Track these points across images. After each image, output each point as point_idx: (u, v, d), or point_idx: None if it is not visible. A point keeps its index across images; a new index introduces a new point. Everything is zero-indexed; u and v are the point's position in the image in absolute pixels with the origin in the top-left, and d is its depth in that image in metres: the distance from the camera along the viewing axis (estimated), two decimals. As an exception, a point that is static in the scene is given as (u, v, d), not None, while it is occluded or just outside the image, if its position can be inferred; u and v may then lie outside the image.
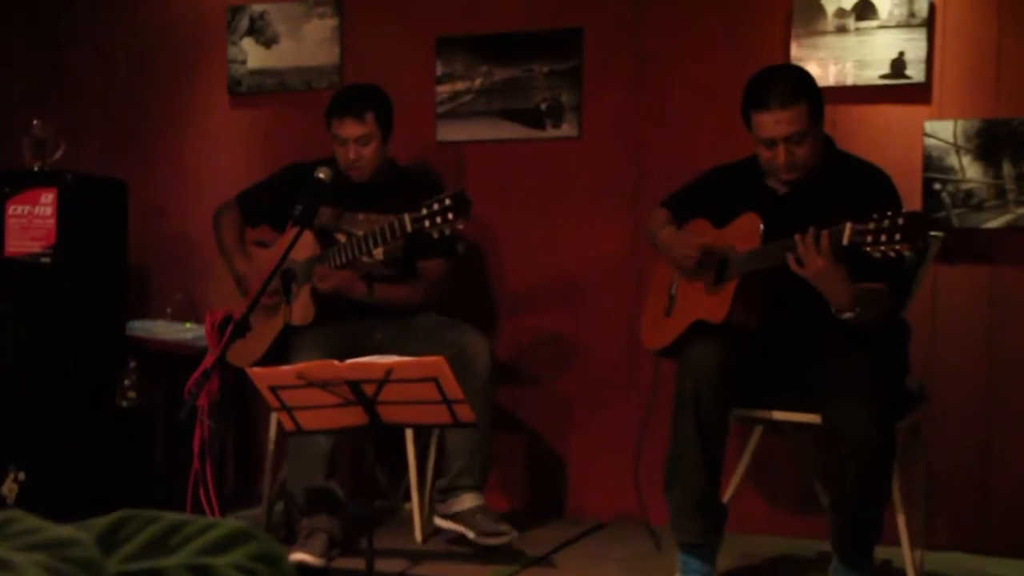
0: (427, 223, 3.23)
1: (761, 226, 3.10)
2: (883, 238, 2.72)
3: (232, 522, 0.67)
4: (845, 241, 2.80)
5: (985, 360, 3.68)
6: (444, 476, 3.60)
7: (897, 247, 2.72)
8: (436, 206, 3.22)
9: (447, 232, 3.25)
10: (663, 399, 3.24)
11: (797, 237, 2.89)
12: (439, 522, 3.57)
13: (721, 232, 3.27)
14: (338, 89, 3.91)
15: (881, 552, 3.28)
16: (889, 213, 2.73)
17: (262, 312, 3.66)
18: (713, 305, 3.18)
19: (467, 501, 3.52)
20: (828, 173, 3.14)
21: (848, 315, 2.93)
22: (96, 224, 3.98)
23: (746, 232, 3.15)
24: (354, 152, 3.70)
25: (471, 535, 3.47)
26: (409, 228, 3.29)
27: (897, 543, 3.10)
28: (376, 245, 3.44)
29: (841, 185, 3.10)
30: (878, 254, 2.74)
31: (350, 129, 3.68)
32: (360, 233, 3.51)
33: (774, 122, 3.05)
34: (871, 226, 2.74)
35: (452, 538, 3.58)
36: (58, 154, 4.05)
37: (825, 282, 2.90)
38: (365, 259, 3.57)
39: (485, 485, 3.61)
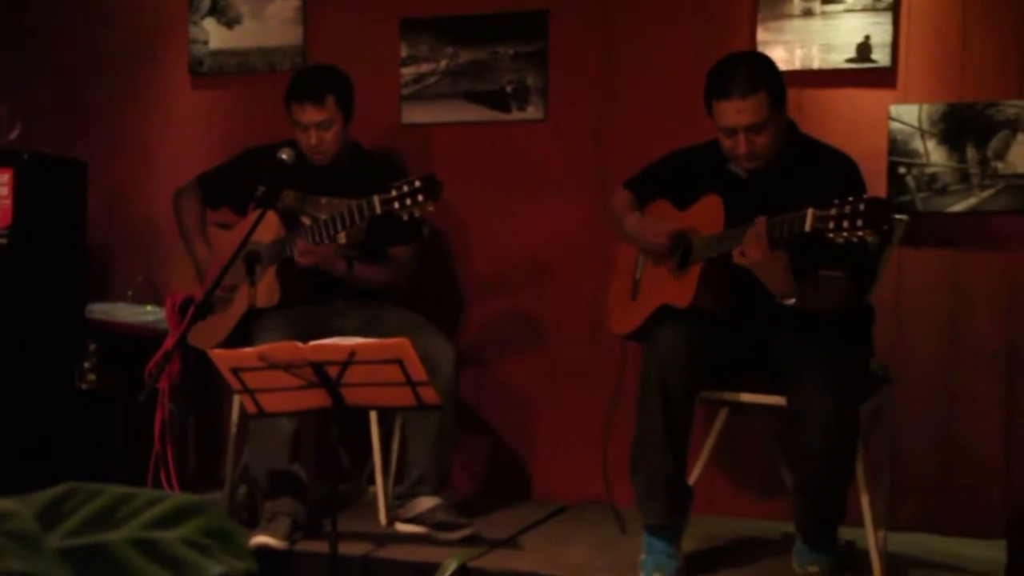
0: (396, 205, 3.21)
1: (722, 207, 3.10)
2: (845, 224, 2.72)
3: (181, 495, 0.65)
4: (807, 227, 2.80)
5: (948, 343, 3.70)
6: (402, 482, 3.58)
7: (859, 233, 2.72)
8: (406, 188, 3.19)
9: (416, 214, 3.22)
10: (630, 382, 3.23)
11: (758, 219, 2.90)
12: (400, 527, 3.55)
13: (683, 214, 3.26)
14: (295, 75, 3.85)
15: (845, 533, 3.30)
16: (851, 199, 2.73)
17: (225, 294, 3.62)
18: (678, 289, 3.18)
19: (425, 503, 3.50)
20: (791, 158, 3.14)
21: (789, 302, 2.95)
22: (54, 205, 3.93)
23: (708, 214, 3.15)
24: (315, 137, 3.65)
25: (427, 530, 3.45)
26: (378, 210, 3.26)
27: (861, 524, 3.11)
28: (344, 227, 3.40)
29: (804, 170, 3.10)
30: (840, 240, 2.75)
31: (310, 114, 3.64)
32: (325, 216, 3.47)
33: (735, 111, 3.04)
34: (833, 212, 2.74)
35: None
36: (14, 134, 4.00)
37: (762, 271, 2.93)
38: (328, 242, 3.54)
39: (444, 491, 3.58)
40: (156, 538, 0.62)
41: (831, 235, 2.76)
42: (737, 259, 2.94)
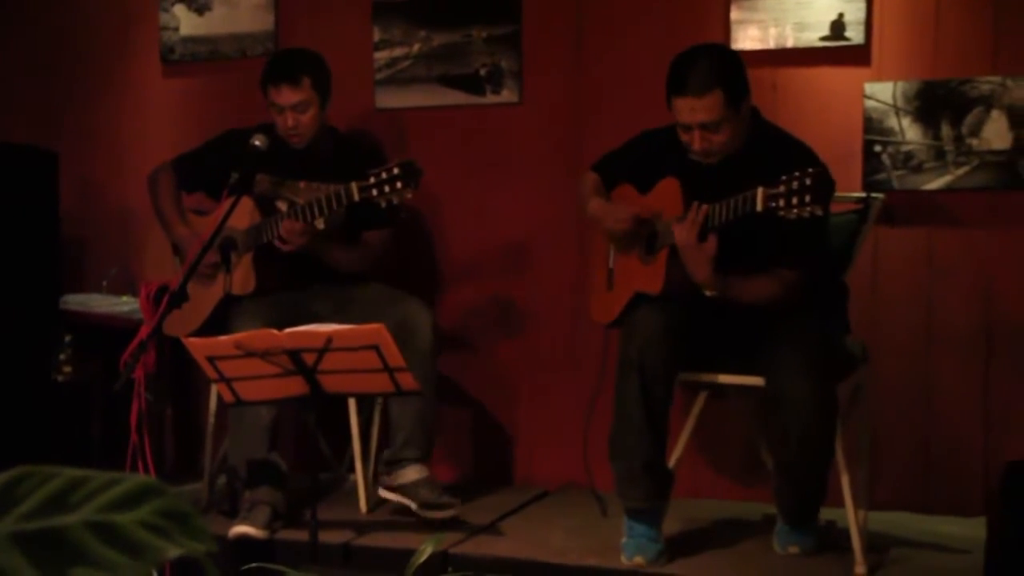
0: (375, 192, 3.18)
1: (680, 190, 3.09)
2: (794, 200, 2.75)
3: (138, 476, 0.63)
4: (759, 207, 2.81)
5: (925, 320, 3.71)
6: (389, 448, 3.57)
7: (808, 208, 2.74)
8: (384, 175, 3.17)
9: (395, 201, 3.20)
10: (613, 367, 3.22)
11: (701, 206, 2.92)
12: (383, 493, 3.55)
13: (645, 198, 3.25)
14: (271, 57, 3.83)
15: (825, 513, 3.30)
16: (797, 174, 2.75)
17: (200, 282, 3.59)
18: (649, 276, 3.18)
19: (412, 473, 3.49)
20: (753, 146, 3.13)
21: (708, 293, 3.00)
22: (26, 196, 3.88)
23: (667, 197, 3.14)
24: (292, 119, 3.63)
25: (414, 507, 3.44)
26: (356, 197, 3.24)
27: (841, 504, 3.11)
28: (321, 213, 3.38)
29: (767, 157, 3.08)
30: (792, 216, 2.76)
31: (287, 96, 3.61)
32: (302, 201, 3.45)
33: (689, 109, 3.03)
34: (781, 189, 2.77)
35: (396, 508, 3.54)
36: (-16, 124, 3.95)
37: (686, 256, 2.98)
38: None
39: (430, 457, 3.58)
40: (112, 521, 0.61)
41: (782, 213, 2.77)
42: (675, 234, 2.99)
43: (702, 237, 2.94)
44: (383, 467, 3.57)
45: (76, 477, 0.62)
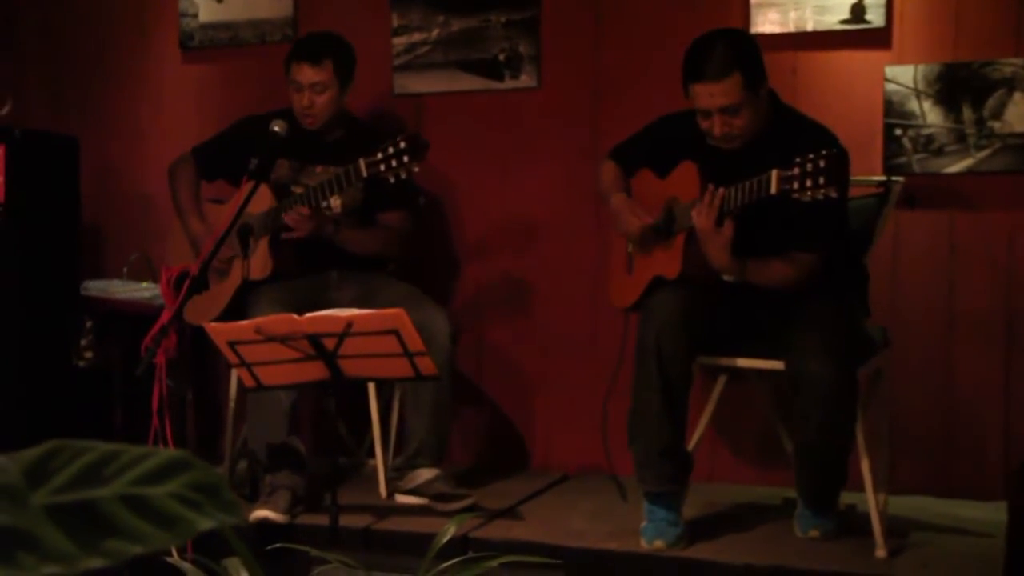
0: (383, 167, 3.19)
1: (698, 174, 3.08)
2: (808, 183, 2.73)
3: (169, 451, 0.63)
4: (773, 189, 2.80)
5: (946, 304, 3.69)
6: (401, 455, 3.58)
7: (823, 190, 2.72)
8: (391, 149, 3.17)
9: (403, 175, 3.20)
10: (631, 350, 3.22)
11: (718, 190, 2.91)
12: (399, 499, 3.55)
13: (664, 182, 3.25)
14: (296, 39, 3.84)
15: (846, 497, 3.30)
16: (811, 156, 2.73)
17: (219, 269, 3.61)
18: (667, 260, 3.17)
19: (424, 474, 3.50)
20: (774, 129, 3.11)
21: (727, 278, 3.00)
22: (47, 182, 3.90)
23: (685, 181, 3.14)
24: (308, 99, 3.64)
25: (429, 502, 3.45)
26: (364, 173, 3.25)
27: (861, 488, 3.10)
28: (332, 192, 3.39)
29: (786, 141, 3.06)
30: (807, 199, 2.74)
31: (306, 74, 3.63)
32: (315, 183, 3.46)
33: (707, 94, 3.01)
34: (795, 171, 2.75)
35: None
36: (4, 110, 3.97)
37: (704, 240, 2.97)
38: (323, 211, 3.53)
39: (442, 462, 3.58)
40: (144, 494, 0.61)
41: (797, 195, 2.76)
42: (692, 219, 2.97)
43: (719, 222, 2.93)
44: (394, 473, 3.58)
45: (108, 451, 0.63)
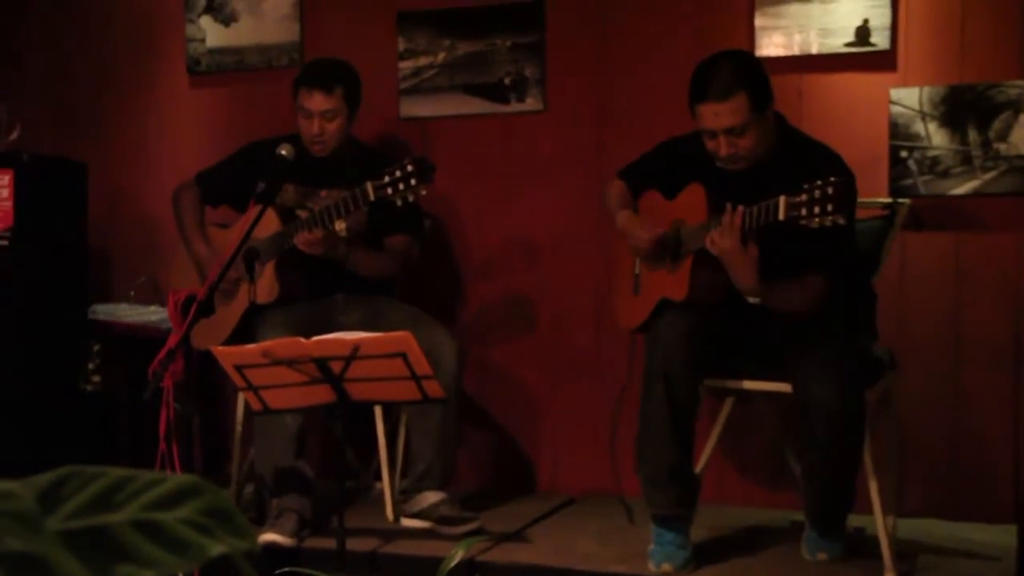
0: (390, 190, 3.19)
1: (705, 196, 3.09)
2: (816, 209, 2.72)
3: (181, 476, 0.64)
4: (781, 215, 2.79)
5: (953, 326, 3.69)
6: (407, 478, 3.58)
7: (830, 217, 2.72)
8: (398, 172, 3.18)
9: (410, 198, 3.20)
10: (639, 372, 3.22)
11: (728, 206, 2.90)
12: (405, 522, 3.54)
13: (671, 205, 3.25)
14: (308, 62, 3.86)
15: (854, 519, 3.29)
16: (819, 182, 2.73)
17: (226, 292, 3.62)
18: (674, 282, 3.17)
19: (430, 497, 3.49)
20: (780, 151, 3.12)
21: (753, 300, 2.97)
22: (55, 206, 3.92)
23: (692, 204, 3.14)
24: (318, 126, 3.65)
25: (434, 526, 3.45)
26: (372, 196, 3.25)
27: (869, 510, 3.09)
28: (339, 216, 3.39)
29: (793, 164, 3.06)
30: (815, 225, 2.74)
31: (318, 102, 3.64)
32: (321, 207, 3.46)
33: (713, 115, 3.02)
34: (803, 198, 2.74)
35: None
36: (13, 135, 3.99)
37: (730, 262, 2.92)
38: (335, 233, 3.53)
39: (449, 486, 3.57)
40: (157, 519, 0.61)
41: (804, 221, 2.75)
42: (708, 245, 2.94)
43: (743, 242, 2.91)
44: (400, 496, 3.58)
45: (120, 477, 0.63)
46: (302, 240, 3.44)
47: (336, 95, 3.64)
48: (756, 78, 3.05)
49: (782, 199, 2.80)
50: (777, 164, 3.07)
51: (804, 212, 2.75)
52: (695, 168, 3.18)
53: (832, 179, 2.73)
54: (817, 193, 2.73)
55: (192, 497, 0.63)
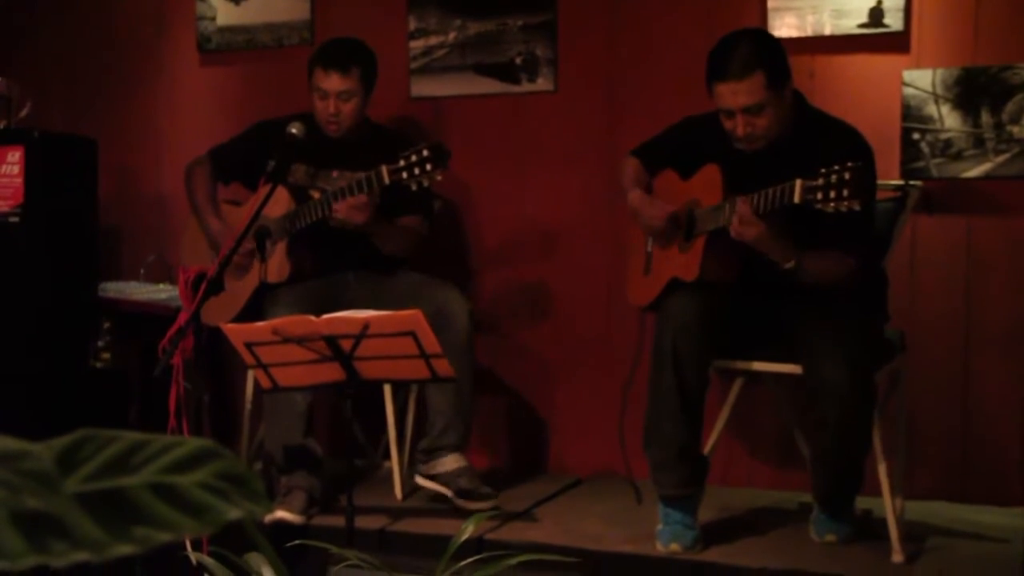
0: (405, 175, 3.19)
1: (721, 177, 3.08)
2: (832, 194, 2.71)
3: (197, 440, 0.64)
4: (797, 199, 2.79)
5: (963, 309, 3.68)
6: (427, 436, 3.57)
7: (846, 203, 2.71)
8: (414, 157, 3.17)
9: (425, 183, 3.20)
10: (648, 351, 3.22)
11: (740, 200, 2.90)
12: (420, 481, 3.54)
13: (686, 184, 3.25)
14: (324, 42, 3.84)
15: (862, 502, 3.29)
16: (836, 167, 2.72)
17: (236, 271, 3.62)
18: (685, 262, 3.17)
19: (450, 462, 3.49)
20: (798, 131, 3.11)
21: (788, 265, 2.95)
22: (65, 183, 3.92)
23: (708, 184, 3.13)
24: (334, 106, 3.64)
25: (452, 496, 3.45)
26: (387, 180, 3.24)
27: (878, 492, 3.09)
28: (353, 196, 3.38)
29: (811, 144, 3.06)
30: (830, 210, 2.73)
31: (334, 82, 3.63)
32: (335, 189, 3.46)
33: (730, 93, 3.01)
34: (820, 182, 2.74)
35: (433, 496, 3.54)
36: (24, 112, 3.99)
37: (761, 244, 2.93)
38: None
39: (468, 446, 3.58)
40: (173, 482, 0.61)
41: (819, 206, 2.74)
42: (735, 236, 2.94)
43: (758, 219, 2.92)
44: (421, 455, 3.57)
45: (136, 440, 0.63)
46: (346, 206, 3.39)
47: (353, 76, 3.63)
48: (774, 57, 3.04)
49: (798, 183, 2.79)
50: (795, 144, 3.07)
51: (820, 196, 2.74)
52: (711, 148, 3.17)
53: (849, 164, 2.72)
54: (834, 178, 2.72)
55: (208, 461, 0.63)
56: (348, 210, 3.39)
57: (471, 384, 3.55)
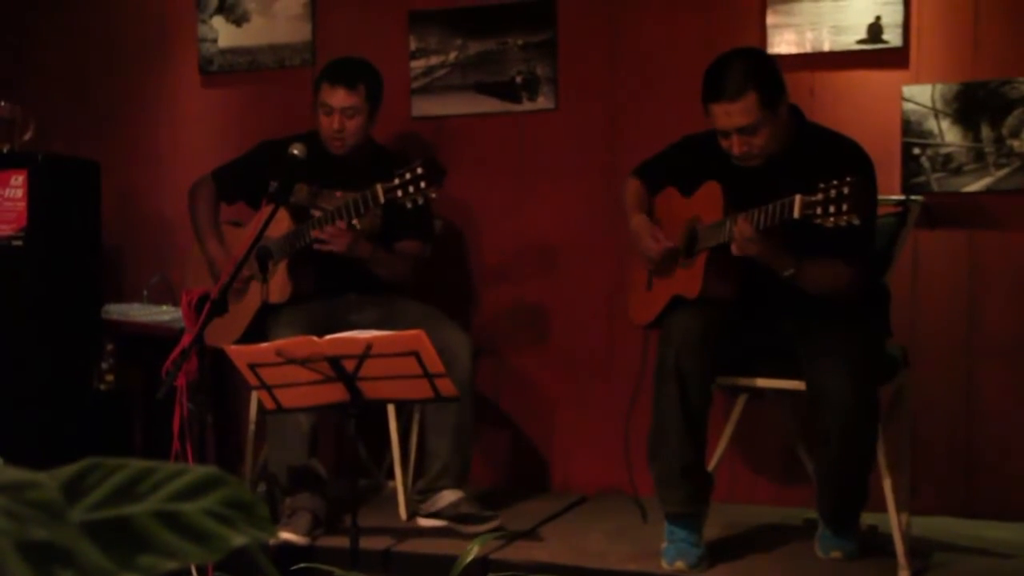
0: (400, 192, 3.19)
1: (722, 194, 3.09)
2: (831, 208, 2.72)
3: (203, 468, 0.64)
4: (796, 214, 2.79)
5: (966, 323, 3.68)
6: (423, 477, 3.57)
7: (845, 217, 2.71)
8: (408, 175, 3.18)
9: (420, 201, 3.20)
10: (652, 370, 3.22)
11: (740, 219, 2.91)
12: (422, 522, 3.52)
13: (687, 201, 3.25)
14: (331, 60, 3.86)
15: (867, 518, 3.28)
16: (835, 182, 2.72)
17: (238, 292, 3.63)
18: (687, 280, 3.17)
19: (448, 496, 3.48)
20: (798, 146, 3.11)
21: (788, 272, 2.96)
22: (68, 206, 3.93)
23: (709, 201, 3.14)
24: (339, 123, 3.65)
25: (454, 525, 3.44)
26: (382, 198, 3.24)
27: (883, 508, 3.09)
28: (349, 218, 3.39)
29: (811, 158, 3.06)
30: (830, 224, 2.74)
31: (340, 98, 3.64)
32: (331, 208, 3.46)
33: (724, 114, 3.02)
34: (819, 197, 2.74)
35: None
36: (27, 135, 4.00)
37: (763, 257, 2.95)
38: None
39: (466, 480, 3.57)
40: (179, 510, 0.62)
41: (819, 221, 2.75)
42: (737, 253, 2.96)
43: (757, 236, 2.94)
44: (417, 496, 3.57)
45: (142, 468, 0.64)
46: (329, 232, 3.42)
47: (359, 92, 3.64)
48: (767, 77, 3.05)
49: (797, 199, 2.79)
50: (794, 159, 3.07)
51: (819, 211, 2.74)
52: (712, 165, 3.18)
53: (848, 179, 2.73)
54: (833, 193, 2.72)
55: (214, 488, 0.63)
56: (329, 238, 3.41)
57: (471, 424, 3.55)
